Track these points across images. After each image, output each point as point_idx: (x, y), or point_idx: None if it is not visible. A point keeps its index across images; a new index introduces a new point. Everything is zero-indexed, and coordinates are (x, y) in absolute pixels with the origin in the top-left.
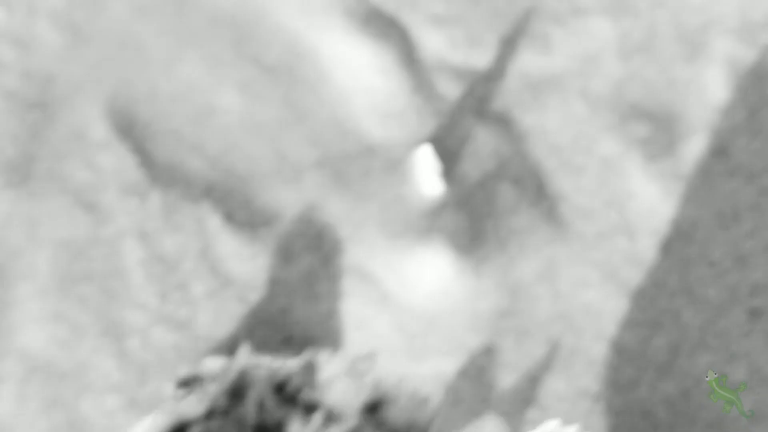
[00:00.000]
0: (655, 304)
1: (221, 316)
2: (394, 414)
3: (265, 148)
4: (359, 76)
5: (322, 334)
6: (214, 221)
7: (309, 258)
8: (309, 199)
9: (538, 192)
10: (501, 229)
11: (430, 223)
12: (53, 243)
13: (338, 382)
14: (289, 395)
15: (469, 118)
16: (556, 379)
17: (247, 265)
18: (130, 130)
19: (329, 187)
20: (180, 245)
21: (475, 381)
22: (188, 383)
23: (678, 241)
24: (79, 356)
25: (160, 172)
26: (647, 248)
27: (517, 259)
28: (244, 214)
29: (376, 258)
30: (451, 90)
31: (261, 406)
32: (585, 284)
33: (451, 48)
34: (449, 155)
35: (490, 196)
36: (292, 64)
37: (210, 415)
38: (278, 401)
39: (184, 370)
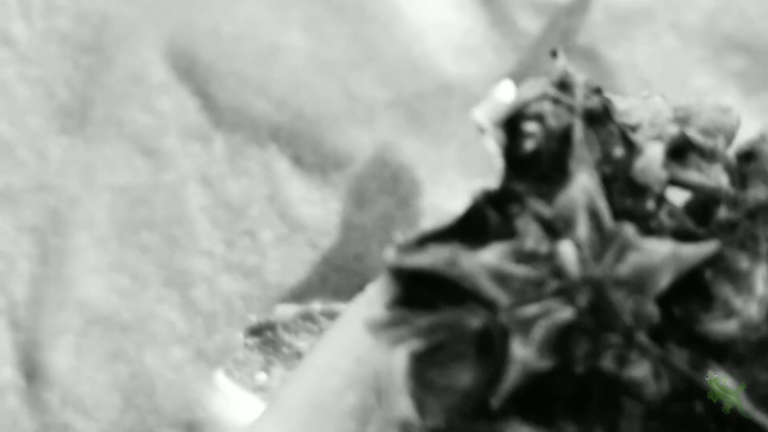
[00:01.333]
0: None
1: (291, 263)
2: (702, 122)
3: (334, 88)
4: (433, 11)
5: None
6: (282, 165)
7: (384, 201)
8: (382, 140)
9: None
10: None
11: None
12: (112, 190)
13: (637, 110)
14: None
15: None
16: None
17: (318, 209)
18: (190, 72)
19: (404, 128)
20: (246, 190)
21: None
22: (259, 332)
23: None
24: (142, 307)
25: (223, 115)
26: None
27: None
28: (313, 157)
29: (456, 199)
30: (531, 24)
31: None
32: None
33: None
34: None
35: None
36: (361, 0)
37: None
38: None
39: (255, 319)
